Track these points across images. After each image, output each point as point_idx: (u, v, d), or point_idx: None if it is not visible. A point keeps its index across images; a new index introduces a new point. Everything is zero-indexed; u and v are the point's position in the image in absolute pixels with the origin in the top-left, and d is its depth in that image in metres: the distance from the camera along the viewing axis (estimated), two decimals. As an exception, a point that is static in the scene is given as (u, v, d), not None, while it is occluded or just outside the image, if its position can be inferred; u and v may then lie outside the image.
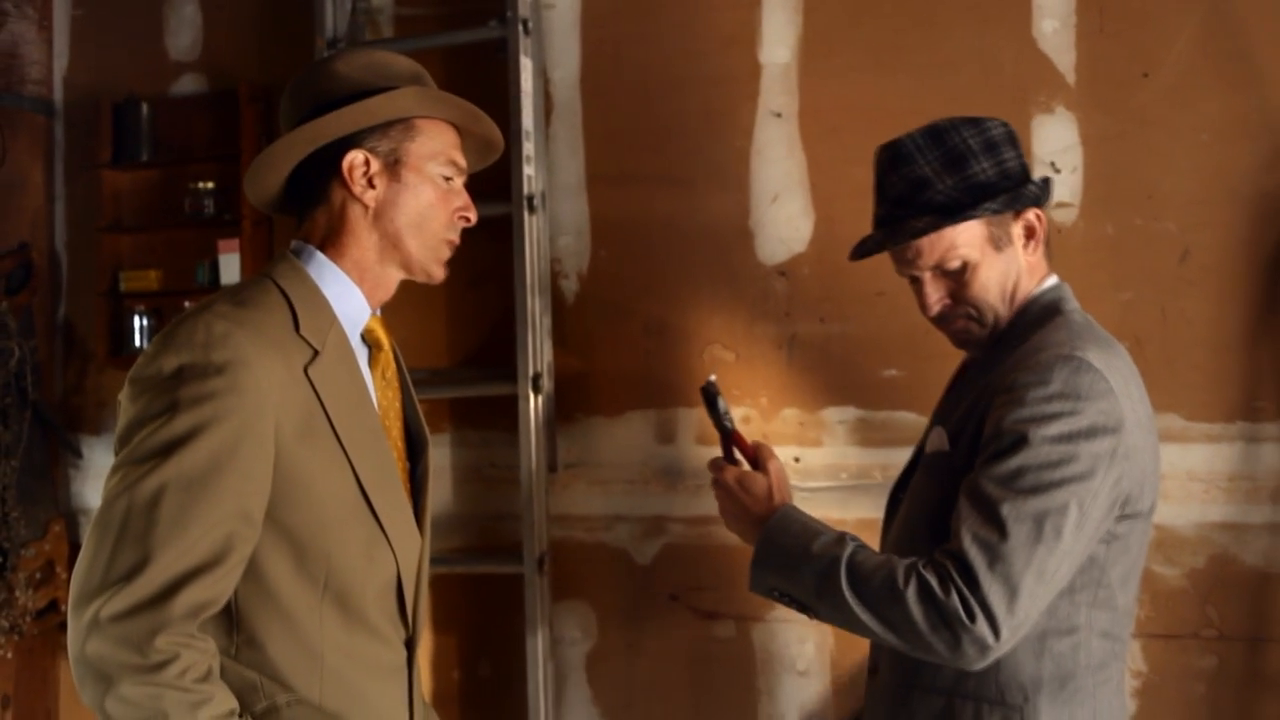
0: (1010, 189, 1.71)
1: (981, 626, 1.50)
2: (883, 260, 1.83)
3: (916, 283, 1.78)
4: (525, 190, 2.90)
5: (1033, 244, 1.76)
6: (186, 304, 3.17)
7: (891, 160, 1.76)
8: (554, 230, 3.03)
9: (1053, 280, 1.78)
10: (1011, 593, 1.50)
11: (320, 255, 1.62)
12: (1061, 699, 1.64)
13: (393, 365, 1.72)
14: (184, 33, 3.47)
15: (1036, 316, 1.74)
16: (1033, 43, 2.65)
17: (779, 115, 2.85)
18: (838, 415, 2.80)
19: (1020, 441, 1.56)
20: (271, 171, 1.65)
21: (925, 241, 1.72)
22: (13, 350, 3.36)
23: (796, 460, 2.83)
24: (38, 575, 3.40)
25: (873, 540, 1.93)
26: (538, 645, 2.89)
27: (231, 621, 1.51)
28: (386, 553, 1.59)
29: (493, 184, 2.94)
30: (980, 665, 1.55)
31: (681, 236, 2.92)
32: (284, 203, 1.71)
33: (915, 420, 2.66)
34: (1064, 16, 2.63)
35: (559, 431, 3.02)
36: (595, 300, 3.01)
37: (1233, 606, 2.53)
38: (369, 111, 1.59)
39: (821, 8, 2.82)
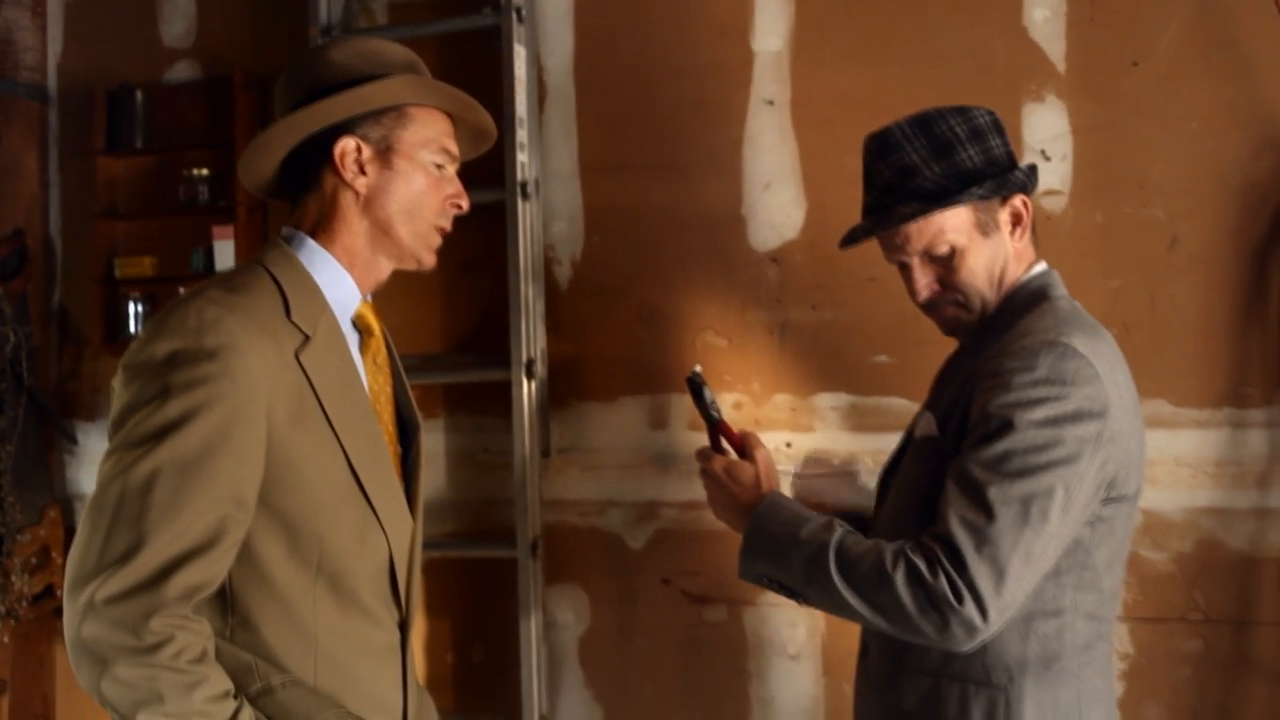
0: (996, 175, 1.73)
1: (969, 608, 1.52)
2: (873, 247, 1.85)
3: (905, 269, 1.79)
4: (519, 177, 2.91)
5: (1019, 230, 1.77)
6: (181, 290, 3.17)
7: (880, 148, 1.77)
8: (547, 217, 3.04)
9: (1040, 267, 1.80)
10: (999, 575, 1.52)
11: (311, 242, 1.64)
12: (1047, 680, 1.65)
13: (383, 350, 1.74)
14: (178, 20, 3.47)
15: (1023, 303, 1.75)
16: (1023, 32, 2.66)
17: (771, 103, 2.86)
18: (829, 401, 2.82)
19: (1006, 426, 1.57)
20: (265, 157, 1.66)
21: (914, 227, 1.74)
22: (8, 336, 3.36)
23: (788, 445, 2.85)
24: (33, 560, 3.41)
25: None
26: (531, 629, 2.91)
27: (226, 604, 1.52)
28: (379, 535, 1.60)
29: (486, 171, 2.95)
30: (968, 647, 1.57)
31: (674, 223, 2.93)
32: (278, 188, 1.72)
33: (905, 405, 2.68)
34: (1054, 6, 2.65)
35: (552, 417, 3.04)
36: (588, 286, 3.02)
37: (1219, 590, 2.55)
38: (361, 99, 1.60)
39: (814, -4, 2.83)
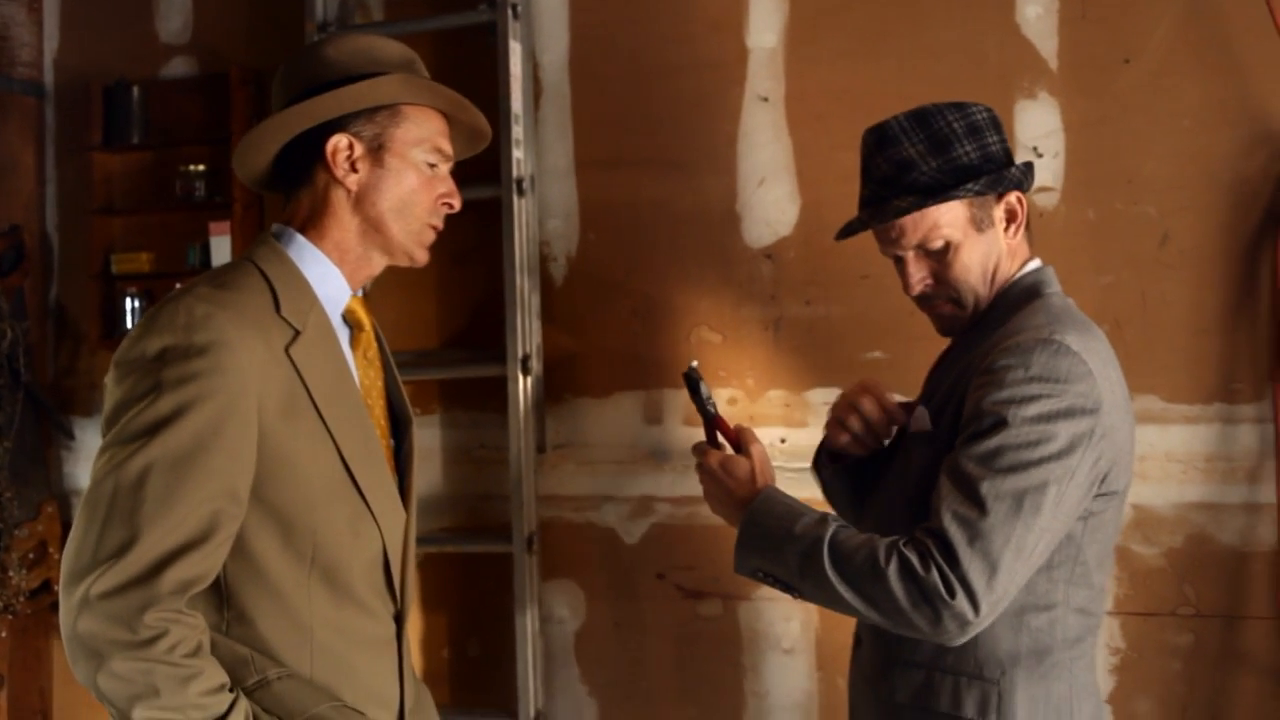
0: (992, 172, 1.74)
1: (961, 602, 1.52)
2: (868, 244, 1.86)
3: (900, 262, 1.80)
4: (514, 173, 2.92)
5: (1014, 227, 1.78)
6: (178, 286, 3.17)
7: (878, 142, 1.78)
8: (543, 213, 3.05)
9: (1034, 264, 1.81)
10: (991, 569, 1.53)
11: (300, 238, 1.64)
12: (1039, 673, 1.66)
13: (374, 345, 1.74)
14: (174, 16, 3.47)
15: (1016, 299, 1.76)
16: (1016, 29, 2.67)
17: (766, 100, 2.87)
18: (823, 396, 2.83)
19: (1000, 422, 1.58)
20: (257, 152, 1.66)
21: (909, 221, 1.75)
22: (5, 332, 3.37)
23: (783, 441, 2.86)
24: (31, 555, 3.42)
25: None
26: (526, 624, 2.92)
27: (222, 598, 1.53)
28: (372, 528, 1.61)
29: (482, 167, 2.96)
30: (960, 640, 1.57)
31: (669, 220, 2.95)
32: (272, 182, 1.73)
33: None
34: (1047, 3, 2.66)
35: (548, 412, 3.05)
36: (584, 282, 3.03)
37: (1209, 585, 2.56)
38: (353, 97, 1.60)
39: (808, -7, 2.84)
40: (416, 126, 1.66)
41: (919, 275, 1.79)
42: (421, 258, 1.71)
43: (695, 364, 1.88)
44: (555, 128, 3.05)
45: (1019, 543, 1.54)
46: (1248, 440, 2.54)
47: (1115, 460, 1.66)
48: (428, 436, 3.16)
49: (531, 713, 2.93)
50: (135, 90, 3.41)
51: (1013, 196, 1.77)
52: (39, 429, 3.52)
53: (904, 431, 1.86)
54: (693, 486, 2.83)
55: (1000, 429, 1.58)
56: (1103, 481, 1.65)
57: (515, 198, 2.92)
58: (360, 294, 1.73)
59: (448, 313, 3.17)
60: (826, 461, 1.99)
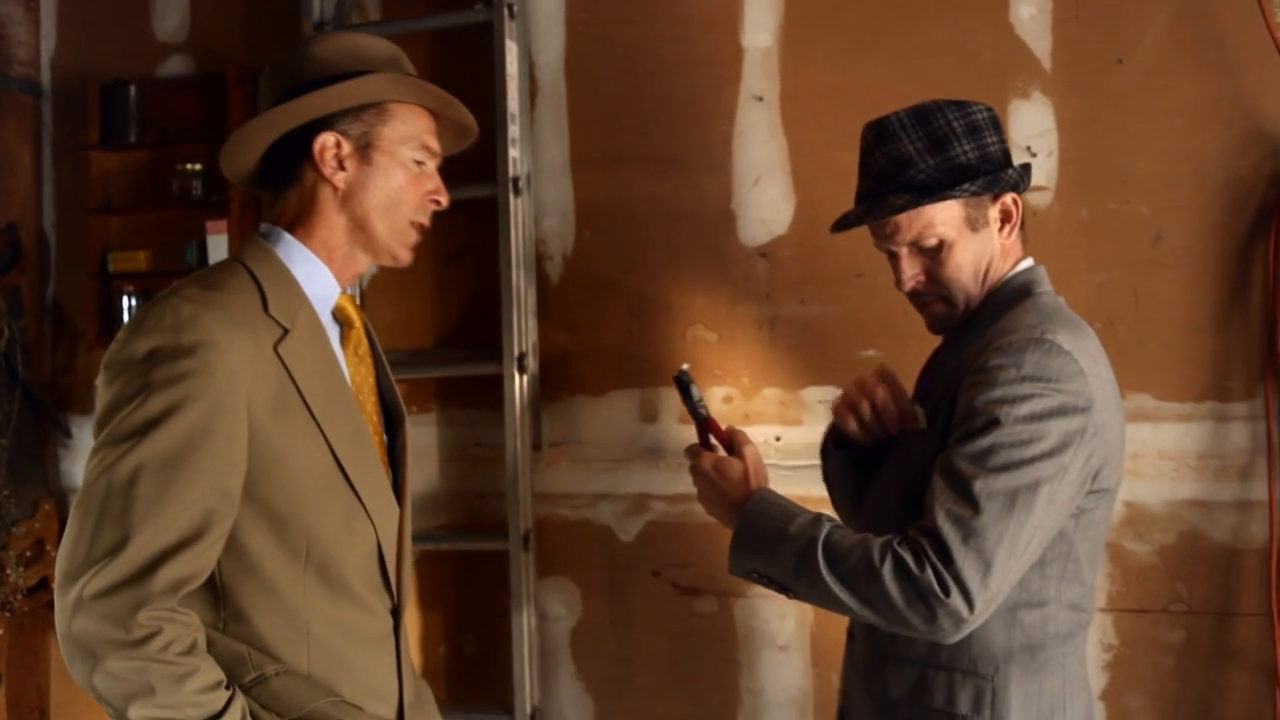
0: (990, 172, 1.75)
1: (956, 600, 1.53)
2: (862, 242, 1.87)
3: (894, 258, 1.81)
4: (510, 172, 2.93)
5: (1008, 228, 1.79)
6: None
7: (877, 137, 1.79)
8: (539, 212, 3.06)
9: (1026, 263, 1.81)
10: (985, 567, 1.53)
11: (288, 236, 1.65)
12: (1032, 669, 1.68)
13: (365, 341, 1.74)
14: (171, 15, 3.48)
15: (1008, 298, 1.77)
16: (1009, 29, 2.68)
17: (760, 99, 2.88)
18: (818, 394, 2.84)
19: (993, 422, 1.59)
20: (245, 151, 1.67)
21: (903, 218, 1.75)
22: (2, 330, 3.37)
23: (778, 439, 2.87)
24: (28, 553, 3.43)
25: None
26: (523, 621, 2.93)
27: (218, 596, 1.53)
28: (365, 524, 1.62)
29: (478, 166, 2.97)
30: (955, 638, 1.58)
31: (665, 218, 2.95)
32: (259, 180, 1.73)
33: (893, 400, 2.70)
34: (1040, 3, 2.67)
35: (543, 410, 3.06)
36: (579, 281, 3.04)
37: (1201, 582, 2.58)
38: (340, 95, 1.61)
39: (803, -8, 2.85)
40: (404, 124, 1.66)
41: (911, 272, 1.80)
42: (405, 258, 1.71)
43: (686, 367, 1.89)
44: (551, 127, 3.06)
45: (1012, 541, 1.55)
46: (1239, 438, 2.55)
47: (1106, 458, 1.67)
48: (424, 435, 3.17)
49: (528, 709, 2.94)
50: (132, 89, 3.42)
51: (1008, 197, 1.78)
52: (36, 427, 3.53)
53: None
54: (688, 484, 2.84)
55: (993, 428, 1.58)
56: (1094, 479, 1.66)
57: (511, 196, 2.93)
58: (350, 291, 1.74)
59: (444, 311, 3.17)
60: (833, 448, 2.00)
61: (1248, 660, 2.54)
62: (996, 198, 1.77)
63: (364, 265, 1.71)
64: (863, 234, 1.88)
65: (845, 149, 1.86)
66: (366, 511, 1.62)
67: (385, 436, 1.76)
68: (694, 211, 2.93)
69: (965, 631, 1.57)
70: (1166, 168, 2.58)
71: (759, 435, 2.86)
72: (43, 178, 3.63)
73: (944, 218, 1.75)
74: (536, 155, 3.06)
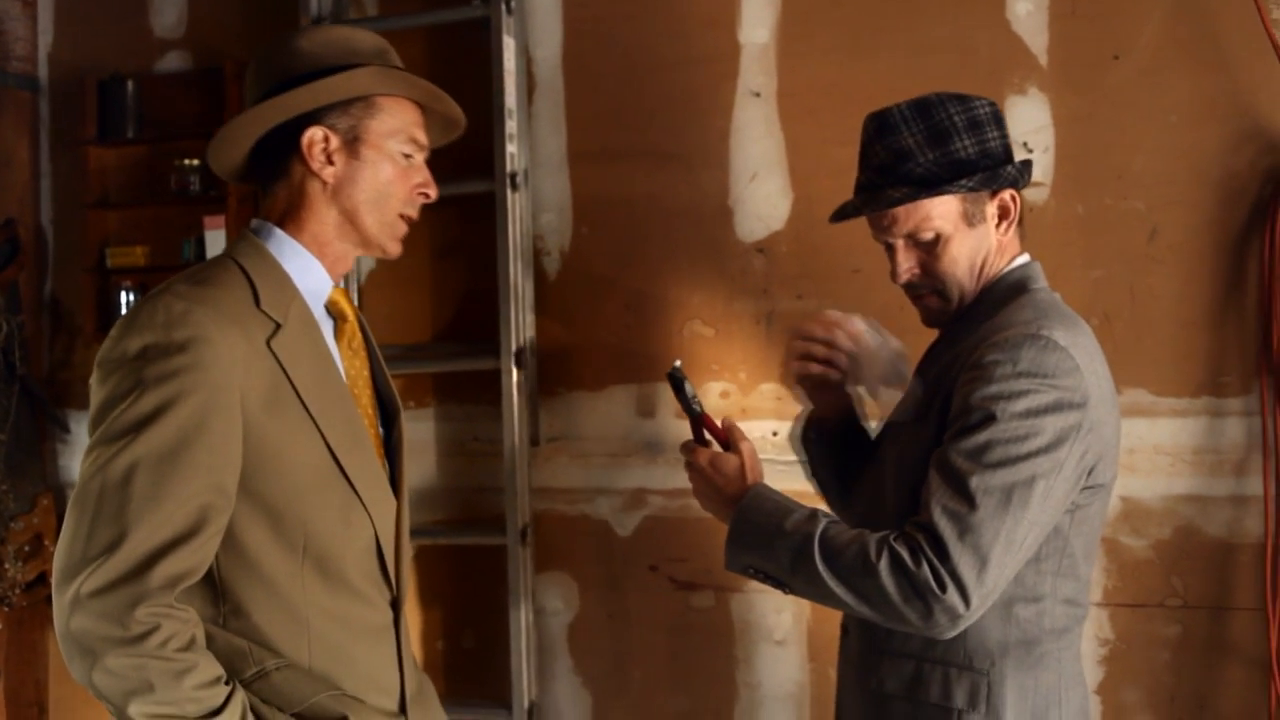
0: (989, 168, 1.75)
1: (952, 596, 1.54)
2: (859, 237, 1.88)
3: (890, 249, 1.82)
4: (508, 168, 2.93)
5: (1006, 224, 1.79)
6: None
7: (878, 129, 1.79)
8: (536, 207, 3.06)
9: (1022, 259, 1.82)
10: (981, 563, 1.54)
11: (279, 231, 1.65)
12: (1028, 664, 1.68)
13: (358, 335, 1.74)
14: (168, 10, 3.47)
15: (1004, 294, 1.77)
16: (1006, 25, 2.69)
17: (758, 95, 2.88)
18: (815, 390, 2.84)
19: (988, 418, 1.59)
20: (232, 146, 1.67)
21: (900, 211, 1.76)
22: (0, 326, 3.38)
23: (774, 434, 2.88)
24: (26, 548, 3.43)
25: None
26: (520, 616, 2.94)
27: (217, 592, 1.54)
28: (363, 516, 1.62)
29: (476, 161, 2.98)
30: (951, 634, 1.59)
31: (662, 214, 2.96)
32: (248, 174, 1.73)
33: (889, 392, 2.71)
34: (1037, -1, 2.68)
35: (541, 406, 3.06)
36: (577, 276, 3.05)
37: (1197, 576, 2.59)
38: (328, 89, 1.61)
39: (800, -11, 2.85)
40: (392, 117, 1.66)
41: (907, 264, 1.81)
42: (395, 250, 1.71)
43: (679, 363, 1.88)
44: (549, 122, 3.06)
45: (1008, 537, 1.56)
46: (1235, 433, 2.55)
47: (1102, 454, 1.68)
48: (422, 430, 3.17)
49: (525, 704, 2.95)
50: (130, 84, 3.41)
51: (1007, 194, 1.78)
52: (34, 422, 3.53)
53: (890, 423, 1.87)
54: (685, 479, 2.82)
55: (989, 424, 1.59)
56: (1089, 475, 1.67)
57: (509, 192, 2.93)
58: (343, 285, 1.74)
59: (441, 306, 3.18)
60: (814, 435, 2.01)
61: (1243, 655, 2.55)
62: (995, 194, 1.77)
63: (354, 258, 1.72)
64: (860, 229, 1.88)
65: (842, 144, 1.87)
66: (363, 504, 1.62)
67: (381, 429, 1.76)
68: (691, 207, 2.93)
69: (961, 627, 1.58)
70: (1162, 164, 2.59)
71: (756, 430, 2.87)
72: (40, 173, 3.63)
73: (941, 211, 1.75)
74: (534, 151, 3.06)
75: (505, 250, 2.92)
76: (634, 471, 3.00)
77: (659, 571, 2.98)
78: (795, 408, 2.85)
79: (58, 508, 3.53)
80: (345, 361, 1.69)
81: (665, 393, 2.94)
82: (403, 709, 1.69)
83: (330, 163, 1.63)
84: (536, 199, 3.06)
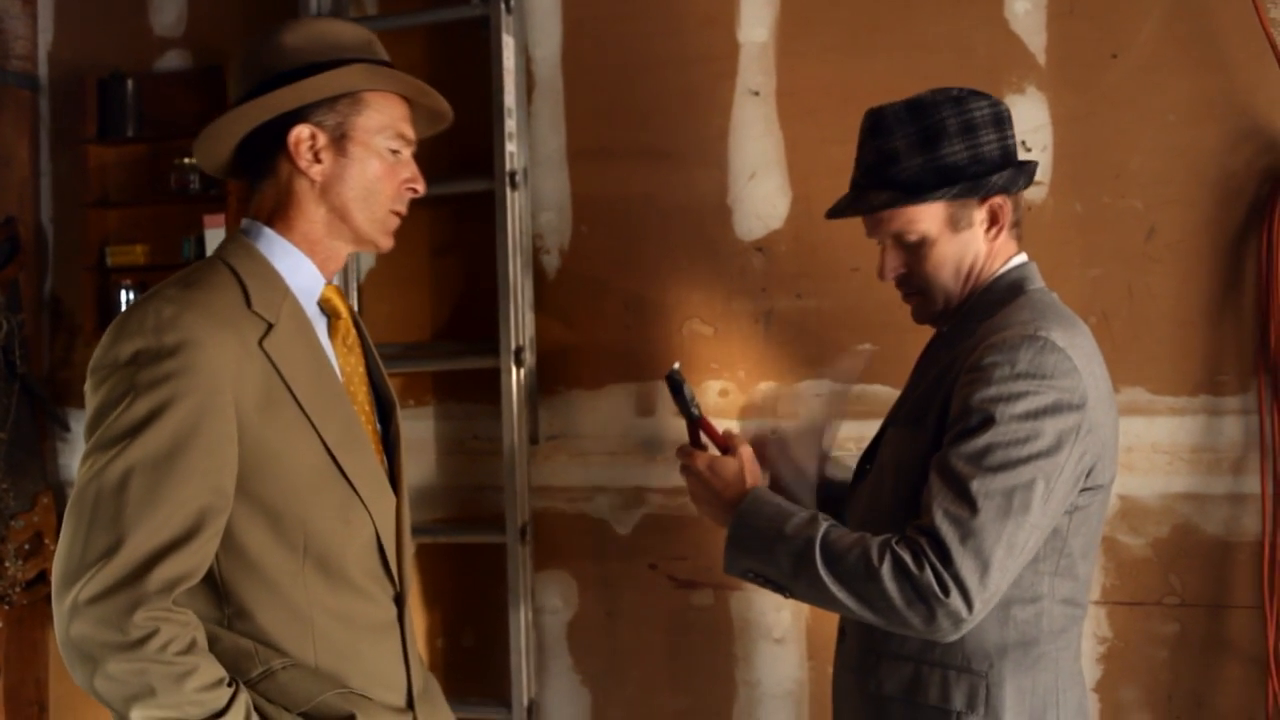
0: (979, 174, 1.74)
1: (955, 600, 1.54)
2: (858, 236, 1.88)
3: (881, 246, 1.83)
4: (507, 167, 2.93)
5: (995, 229, 1.78)
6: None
7: (871, 128, 1.79)
8: (536, 206, 3.07)
9: (1020, 259, 1.81)
10: (983, 566, 1.55)
11: (269, 231, 1.64)
12: (1026, 664, 1.69)
13: (352, 331, 1.74)
14: (168, 9, 3.48)
15: (1000, 295, 1.77)
16: (1005, 24, 2.69)
17: (757, 94, 2.88)
18: (814, 389, 2.84)
19: (988, 420, 1.59)
20: (217, 144, 1.66)
21: (886, 213, 1.77)
22: (0, 324, 3.38)
23: (773, 433, 2.87)
24: (26, 546, 3.43)
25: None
26: (520, 614, 2.94)
27: (220, 594, 1.54)
28: (362, 514, 1.62)
29: (475, 160, 2.98)
30: (954, 637, 1.59)
31: (661, 213, 2.96)
32: (235, 170, 1.72)
33: (889, 393, 2.71)
34: (1036, -2, 2.68)
35: (540, 404, 3.06)
36: (576, 275, 3.05)
37: (1195, 575, 2.59)
38: (314, 88, 1.60)
39: (799, -12, 2.86)
40: (379, 113, 1.65)
41: (892, 264, 1.82)
42: (386, 244, 1.71)
43: (677, 366, 1.88)
44: (548, 121, 3.06)
45: (1010, 540, 1.56)
46: (1232, 432, 2.56)
47: (1100, 455, 1.68)
48: (421, 428, 3.18)
49: (524, 702, 2.96)
50: (130, 83, 3.41)
51: (997, 200, 1.76)
52: (34, 421, 3.53)
53: (887, 424, 1.88)
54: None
55: (988, 427, 1.59)
56: (1088, 476, 1.67)
57: (508, 191, 2.93)
58: (335, 281, 1.73)
59: (441, 305, 3.18)
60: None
61: (1240, 652, 2.56)
62: (983, 200, 1.76)
63: (346, 254, 1.71)
64: (858, 228, 1.89)
65: (841, 143, 1.87)
66: (362, 501, 1.62)
67: (379, 425, 1.76)
68: (690, 206, 2.93)
69: (964, 631, 1.58)
70: (1160, 163, 2.59)
71: (755, 429, 2.87)
72: (40, 172, 3.63)
73: (925, 216, 1.76)
74: (533, 150, 3.07)
75: (505, 249, 2.92)
76: (633, 470, 3.00)
77: (658, 570, 2.98)
78: (795, 406, 2.86)
79: (58, 506, 3.53)
80: (340, 359, 1.68)
81: (664, 391, 2.93)
82: (410, 704, 1.70)
83: (318, 160, 1.62)
84: (536, 198, 3.07)
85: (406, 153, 1.69)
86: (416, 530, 2.98)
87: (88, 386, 1.52)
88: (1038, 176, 2.62)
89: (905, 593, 1.56)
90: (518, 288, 2.96)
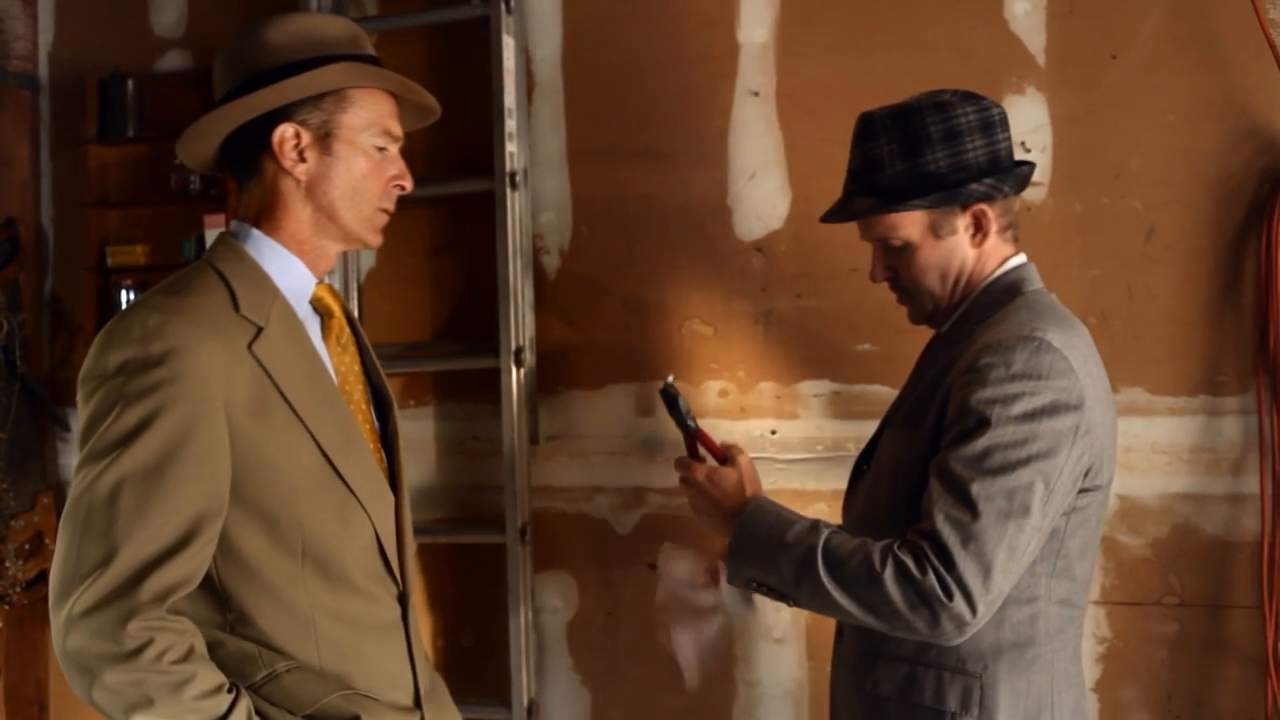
0: (960, 182, 1.74)
1: (959, 604, 1.54)
2: (857, 237, 1.89)
3: (873, 249, 1.85)
4: (508, 167, 2.93)
5: (980, 236, 1.78)
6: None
7: (860, 133, 1.81)
8: (536, 206, 3.07)
9: (1017, 260, 1.81)
10: (985, 570, 1.55)
11: (257, 232, 1.62)
12: (1020, 666, 1.69)
13: (347, 330, 1.72)
14: (168, 9, 3.48)
15: (998, 296, 1.77)
16: (1004, 24, 2.69)
17: (756, 94, 2.89)
18: (813, 389, 2.85)
19: (985, 422, 1.60)
20: (200, 143, 1.64)
21: (869, 218, 1.79)
22: (0, 324, 3.38)
23: (773, 433, 2.88)
24: (26, 546, 3.43)
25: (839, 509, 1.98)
26: (519, 614, 2.94)
27: (221, 600, 1.53)
28: (360, 515, 1.61)
29: (475, 160, 2.98)
30: (958, 641, 1.59)
31: (661, 213, 2.96)
32: (220, 166, 1.70)
33: (888, 393, 2.71)
34: (1035, -1, 2.68)
35: (540, 404, 3.07)
36: (576, 275, 3.05)
37: (1194, 575, 2.59)
38: (298, 87, 1.57)
39: (799, -12, 2.86)
40: (364, 110, 1.62)
41: (879, 268, 1.85)
42: (374, 241, 1.69)
43: (671, 379, 1.88)
44: (548, 121, 3.07)
45: (1011, 542, 1.56)
46: (1232, 432, 2.56)
47: (1098, 455, 1.68)
48: (422, 428, 3.18)
49: (524, 702, 2.96)
50: (130, 83, 3.42)
51: (980, 206, 1.76)
52: (35, 421, 3.54)
53: (885, 425, 1.88)
54: (684, 478, 2.86)
55: (985, 429, 1.59)
56: (1086, 476, 1.67)
57: (509, 191, 2.93)
58: (328, 280, 1.71)
59: (441, 305, 3.18)
60: None
61: (1239, 652, 2.56)
62: (966, 207, 1.77)
63: (336, 253, 1.69)
64: (856, 229, 1.89)
65: (840, 144, 1.87)
66: (360, 503, 1.60)
67: (377, 423, 1.75)
68: (690, 206, 2.94)
69: (968, 634, 1.58)
70: (1160, 163, 2.59)
71: (755, 429, 2.88)
72: (41, 172, 3.63)
73: (907, 223, 1.77)
74: (533, 150, 3.07)
75: (505, 249, 2.92)
76: (633, 470, 3.00)
77: (658, 570, 2.98)
78: (795, 406, 2.86)
79: (58, 506, 3.53)
80: (334, 358, 1.67)
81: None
82: (417, 703, 1.69)
83: (302, 160, 1.60)
84: (536, 198, 3.07)
85: (393, 149, 1.66)
86: (417, 530, 2.96)
87: (79, 397, 1.51)
88: (1038, 177, 2.64)
89: (908, 597, 1.56)
90: (518, 288, 2.96)
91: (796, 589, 1.66)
